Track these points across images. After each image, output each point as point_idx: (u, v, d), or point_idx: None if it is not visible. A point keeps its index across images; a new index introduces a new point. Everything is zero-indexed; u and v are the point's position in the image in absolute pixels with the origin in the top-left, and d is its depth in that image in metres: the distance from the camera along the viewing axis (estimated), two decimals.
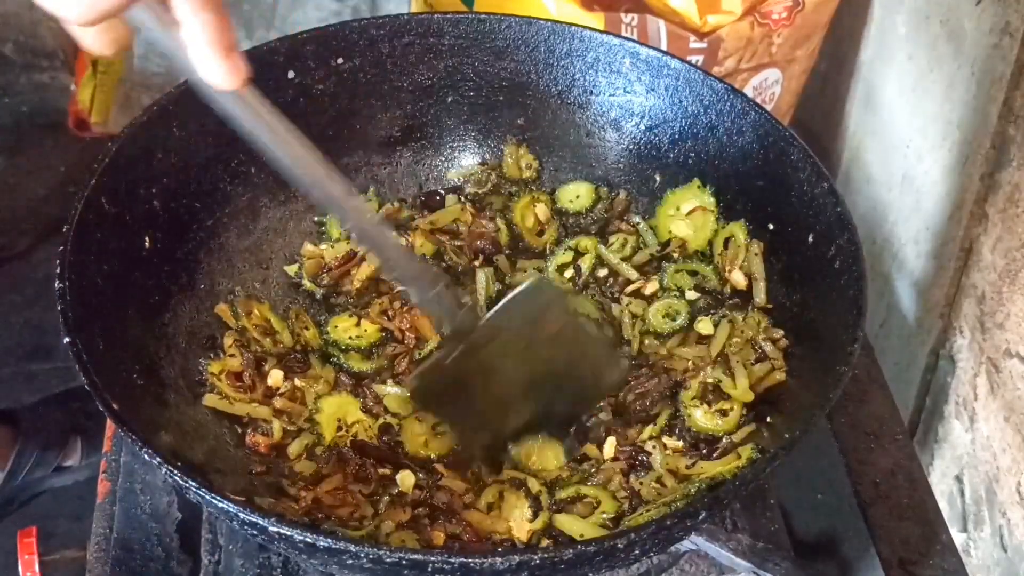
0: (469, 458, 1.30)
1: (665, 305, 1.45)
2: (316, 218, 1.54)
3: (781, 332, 1.37)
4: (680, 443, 1.33)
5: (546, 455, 1.31)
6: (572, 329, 1.31)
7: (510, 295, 1.23)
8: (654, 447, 1.31)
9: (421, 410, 1.32)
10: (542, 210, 1.56)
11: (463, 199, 1.58)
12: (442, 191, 1.60)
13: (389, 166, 1.59)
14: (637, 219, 1.55)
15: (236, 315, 1.41)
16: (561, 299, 1.34)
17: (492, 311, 1.23)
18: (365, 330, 1.42)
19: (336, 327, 1.43)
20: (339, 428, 1.33)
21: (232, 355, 1.38)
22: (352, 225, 1.18)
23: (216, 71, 0.94)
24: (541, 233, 1.55)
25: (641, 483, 1.27)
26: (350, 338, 1.42)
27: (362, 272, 1.47)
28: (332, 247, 1.51)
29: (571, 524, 1.22)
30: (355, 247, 1.48)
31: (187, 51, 0.93)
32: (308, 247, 1.52)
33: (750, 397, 1.33)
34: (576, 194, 1.58)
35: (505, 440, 1.30)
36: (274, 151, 1.08)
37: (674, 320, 1.43)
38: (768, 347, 1.35)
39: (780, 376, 1.33)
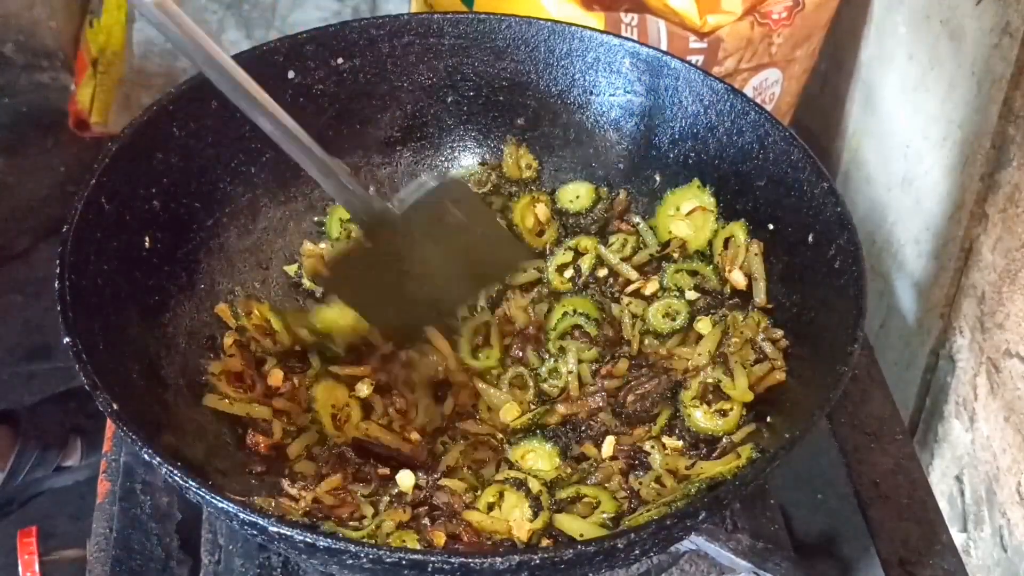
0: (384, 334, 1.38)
1: (665, 305, 1.45)
2: (316, 218, 1.54)
3: (781, 332, 1.37)
4: (680, 443, 1.33)
5: (539, 455, 1.31)
6: (481, 225, 1.37)
7: (422, 190, 1.28)
8: (652, 447, 1.32)
9: (332, 294, 1.40)
10: (542, 210, 1.56)
11: None
12: None
13: (389, 166, 1.59)
14: (637, 219, 1.55)
15: (236, 315, 1.41)
16: (472, 197, 1.40)
17: (407, 205, 1.28)
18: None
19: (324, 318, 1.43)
20: (335, 416, 1.33)
21: (232, 355, 1.38)
22: (272, 126, 1.18)
23: None
24: (541, 233, 1.55)
25: (640, 483, 1.27)
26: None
27: None
28: (332, 246, 1.50)
29: (571, 524, 1.22)
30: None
31: None
32: (308, 246, 1.52)
33: (750, 397, 1.33)
34: (576, 194, 1.58)
35: (416, 324, 1.38)
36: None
37: (674, 320, 1.43)
38: (768, 347, 1.35)
39: (780, 376, 1.33)
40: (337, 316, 1.43)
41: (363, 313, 1.36)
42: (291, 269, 1.51)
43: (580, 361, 1.42)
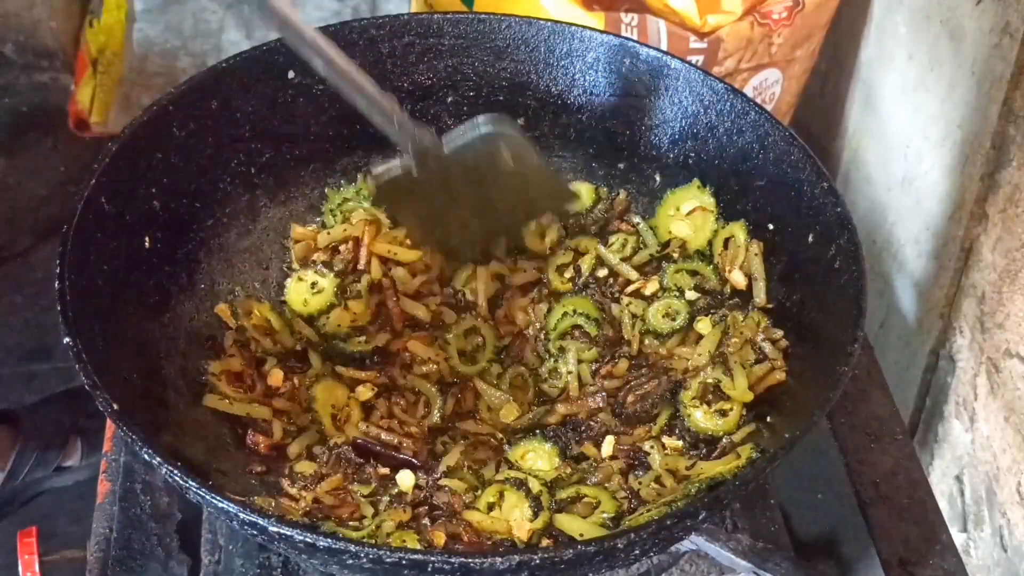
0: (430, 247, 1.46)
1: (665, 305, 1.45)
2: (317, 219, 1.54)
3: (781, 332, 1.37)
4: (680, 443, 1.33)
5: (539, 455, 1.31)
6: (529, 165, 1.38)
7: (473, 133, 1.33)
8: (652, 447, 1.31)
9: (381, 206, 1.46)
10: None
11: None
12: None
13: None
14: (637, 219, 1.55)
15: (236, 315, 1.41)
16: (520, 139, 1.38)
17: (458, 144, 1.33)
18: (356, 313, 1.43)
19: (328, 318, 1.43)
20: (335, 416, 1.33)
21: (232, 355, 1.38)
22: (324, 65, 1.23)
23: None
24: (542, 236, 1.54)
25: (640, 483, 1.27)
26: (338, 325, 1.42)
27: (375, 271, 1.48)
28: (328, 233, 1.50)
29: (571, 524, 1.22)
30: (354, 229, 1.49)
31: None
32: (297, 229, 1.51)
33: (749, 397, 1.33)
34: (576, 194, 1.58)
35: (461, 251, 1.46)
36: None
37: (674, 320, 1.43)
38: (768, 347, 1.35)
39: (780, 376, 1.33)
40: (338, 317, 1.43)
41: (410, 231, 1.45)
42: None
43: (580, 361, 1.42)
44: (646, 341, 1.44)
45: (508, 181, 1.37)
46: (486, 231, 1.47)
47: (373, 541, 1.18)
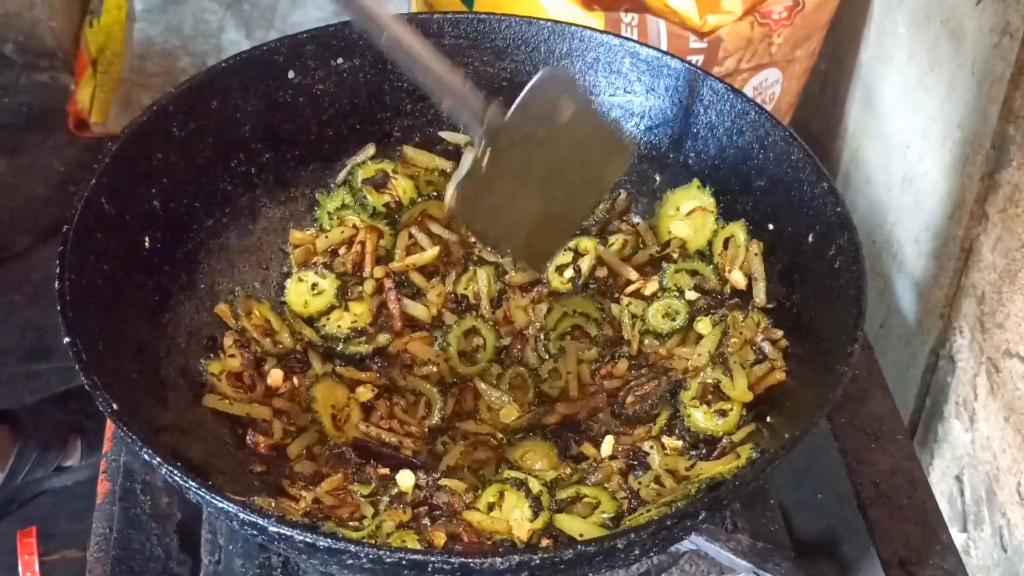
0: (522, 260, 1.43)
1: (664, 305, 1.45)
2: (317, 222, 1.54)
3: (781, 332, 1.37)
4: (680, 443, 1.33)
5: (539, 455, 1.31)
6: (583, 114, 1.31)
7: (527, 88, 1.24)
8: (652, 447, 1.31)
9: (463, 222, 1.41)
10: None
11: None
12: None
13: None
14: (637, 219, 1.55)
15: (236, 315, 1.41)
16: (572, 84, 1.35)
17: (513, 107, 1.23)
18: (357, 314, 1.43)
19: (328, 319, 1.43)
20: (335, 416, 1.34)
21: (232, 355, 1.38)
22: (386, 34, 1.17)
23: None
24: None
25: (640, 483, 1.27)
26: (339, 326, 1.42)
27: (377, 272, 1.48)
28: (327, 237, 1.50)
29: (571, 524, 1.22)
30: (350, 231, 1.49)
31: None
32: (296, 234, 1.51)
33: (749, 397, 1.33)
34: None
35: (547, 243, 1.39)
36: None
37: (674, 320, 1.43)
38: (768, 347, 1.35)
39: (780, 376, 1.33)
40: (338, 318, 1.43)
41: (495, 241, 1.40)
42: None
43: (580, 362, 1.42)
44: (646, 341, 1.44)
45: (573, 141, 1.31)
46: (561, 216, 1.39)
47: (373, 541, 1.18)
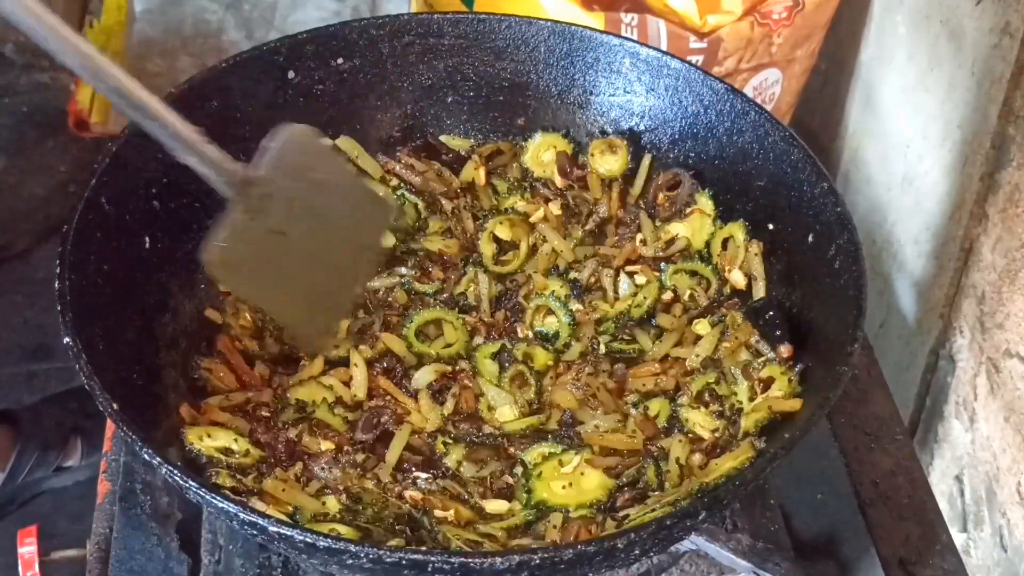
0: (302, 339, 1.36)
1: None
2: None
3: (780, 333, 1.37)
4: (713, 418, 1.32)
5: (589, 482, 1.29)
6: (338, 173, 1.32)
7: (273, 143, 1.22)
8: (687, 418, 1.32)
9: (225, 285, 1.30)
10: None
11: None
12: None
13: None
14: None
15: (224, 313, 1.41)
16: (319, 140, 1.32)
17: (263, 162, 1.20)
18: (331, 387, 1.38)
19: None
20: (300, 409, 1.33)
21: (223, 353, 1.37)
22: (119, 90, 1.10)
23: None
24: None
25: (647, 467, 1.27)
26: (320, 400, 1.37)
27: None
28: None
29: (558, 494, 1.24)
30: None
31: None
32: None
33: (747, 398, 1.32)
34: None
35: (326, 314, 1.34)
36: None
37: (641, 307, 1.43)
38: (765, 347, 1.35)
39: (780, 378, 1.33)
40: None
41: (267, 305, 1.31)
42: None
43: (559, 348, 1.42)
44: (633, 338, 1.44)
45: (332, 202, 1.28)
46: (337, 288, 1.35)
47: (373, 541, 1.18)
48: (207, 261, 1.19)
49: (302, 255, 1.26)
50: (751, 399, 1.31)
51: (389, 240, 1.49)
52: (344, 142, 1.53)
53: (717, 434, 1.31)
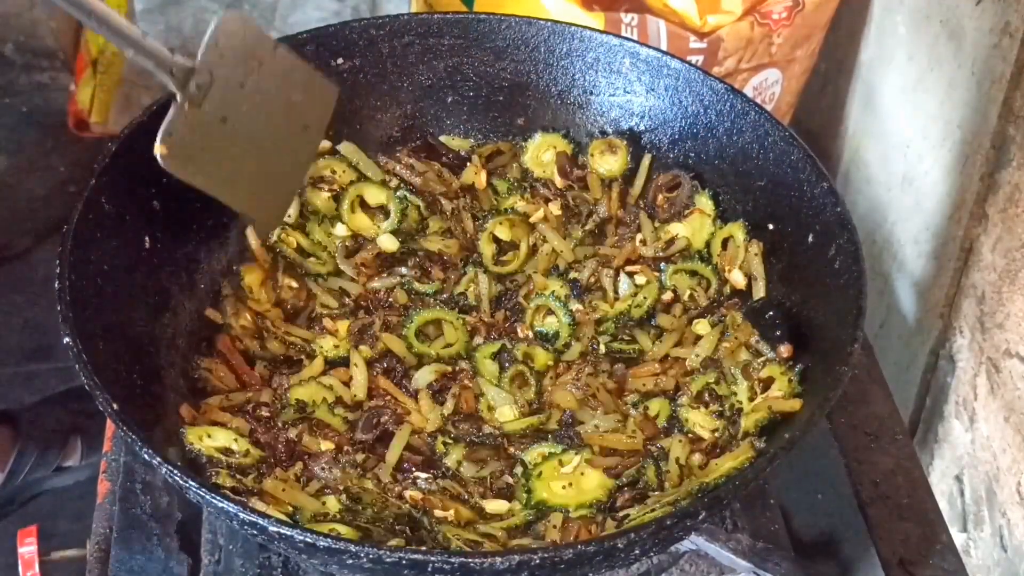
0: (258, 224, 1.43)
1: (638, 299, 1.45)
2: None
3: (780, 333, 1.37)
4: (713, 418, 1.32)
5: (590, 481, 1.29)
6: (279, 58, 1.32)
7: (210, 31, 1.24)
8: (687, 418, 1.32)
9: (179, 175, 1.28)
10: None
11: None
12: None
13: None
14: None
15: (224, 313, 1.41)
16: (254, 26, 1.30)
17: (200, 50, 1.23)
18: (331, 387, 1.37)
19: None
20: (300, 409, 1.32)
21: (223, 353, 1.37)
22: None
23: None
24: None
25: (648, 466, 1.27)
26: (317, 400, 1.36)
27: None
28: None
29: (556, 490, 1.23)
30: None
31: None
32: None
33: (747, 398, 1.32)
34: None
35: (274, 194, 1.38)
36: None
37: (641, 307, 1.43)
38: (765, 347, 1.35)
39: (780, 378, 1.33)
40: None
41: (220, 193, 1.32)
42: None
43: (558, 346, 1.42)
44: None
45: (275, 86, 1.31)
46: (285, 169, 1.39)
47: (373, 541, 1.18)
48: (159, 154, 1.22)
49: (248, 139, 1.30)
50: (751, 399, 1.31)
51: (392, 242, 1.49)
52: (345, 147, 1.53)
53: (717, 434, 1.31)
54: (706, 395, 1.35)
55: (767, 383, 1.32)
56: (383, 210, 1.51)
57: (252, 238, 1.46)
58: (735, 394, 1.33)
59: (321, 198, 1.51)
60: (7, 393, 2.24)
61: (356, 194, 1.50)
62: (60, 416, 2.25)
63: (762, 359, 1.35)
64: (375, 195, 1.51)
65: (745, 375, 1.33)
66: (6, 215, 2.39)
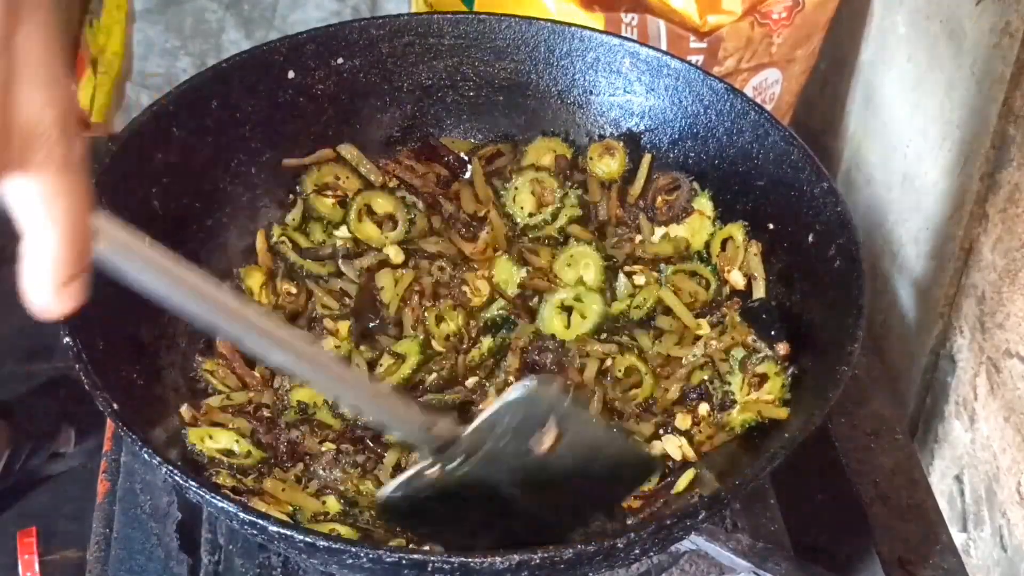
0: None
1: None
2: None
3: (778, 332, 1.37)
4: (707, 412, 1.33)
5: None
6: (581, 435, 1.11)
7: (495, 404, 1.07)
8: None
9: (391, 525, 1.19)
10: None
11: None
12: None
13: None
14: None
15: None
16: (563, 404, 1.09)
17: (475, 422, 1.07)
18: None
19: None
20: (301, 411, 1.32)
21: (222, 353, 1.37)
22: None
23: (42, 296, 0.79)
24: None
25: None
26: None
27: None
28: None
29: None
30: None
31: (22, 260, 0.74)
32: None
33: (745, 398, 1.32)
34: None
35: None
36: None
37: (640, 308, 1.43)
38: (763, 347, 1.35)
39: (774, 378, 1.33)
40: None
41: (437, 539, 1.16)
42: None
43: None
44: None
45: (562, 461, 1.09)
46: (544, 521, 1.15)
47: (373, 541, 1.18)
48: (378, 500, 1.10)
49: (494, 493, 1.10)
50: (744, 392, 1.32)
51: (399, 254, 1.47)
52: (345, 149, 1.52)
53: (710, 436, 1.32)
54: (700, 392, 1.36)
55: (761, 379, 1.32)
56: (391, 218, 1.51)
57: (260, 240, 1.45)
58: (729, 384, 1.33)
59: (326, 205, 1.50)
60: (7, 393, 2.24)
61: (363, 203, 1.50)
62: (51, 405, 2.25)
63: (760, 355, 1.35)
64: (383, 204, 1.50)
65: (742, 367, 1.33)
66: (6, 215, 2.39)
